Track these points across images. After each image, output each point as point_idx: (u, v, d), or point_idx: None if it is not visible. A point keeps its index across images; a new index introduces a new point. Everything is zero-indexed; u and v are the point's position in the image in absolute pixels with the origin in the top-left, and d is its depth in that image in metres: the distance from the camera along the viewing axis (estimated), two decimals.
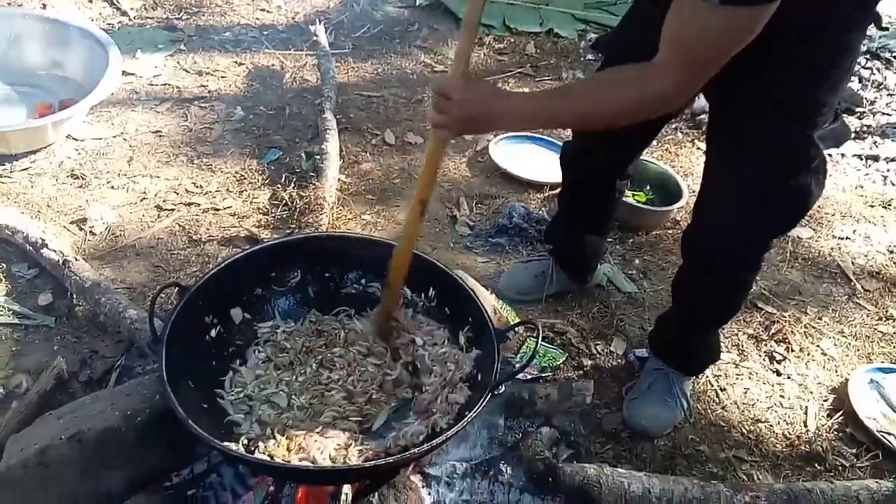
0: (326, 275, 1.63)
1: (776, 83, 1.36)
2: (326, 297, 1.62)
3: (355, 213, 2.41)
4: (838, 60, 1.36)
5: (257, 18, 3.44)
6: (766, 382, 2.00)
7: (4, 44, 2.68)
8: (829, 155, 2.95)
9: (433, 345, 1.52)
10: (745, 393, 1.96)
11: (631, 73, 1.26)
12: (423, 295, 1.62)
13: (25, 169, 2.39)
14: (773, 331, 2.14)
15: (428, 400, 1.41)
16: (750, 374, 2.01)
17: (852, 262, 2.45)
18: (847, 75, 1.42)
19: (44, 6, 3.10)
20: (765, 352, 2.09)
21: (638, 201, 2.50)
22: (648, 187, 2.57)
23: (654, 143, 2.88)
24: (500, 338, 1.42)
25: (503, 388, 1.35)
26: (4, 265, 2.02)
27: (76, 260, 1.95)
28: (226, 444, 1.21)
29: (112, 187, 2.38)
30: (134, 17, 3.25)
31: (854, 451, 1.83)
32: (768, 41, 1.15)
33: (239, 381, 1.43)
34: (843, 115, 3.23)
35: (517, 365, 1.74)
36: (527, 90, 3.18)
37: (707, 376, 1.98)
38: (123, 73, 2.81)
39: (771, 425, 1.88)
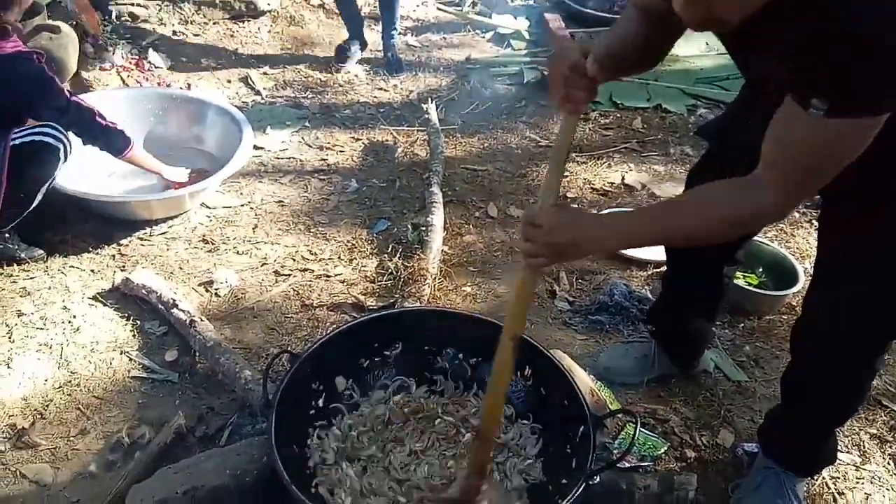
0: (426, 348, 1.68)
1: (885, 178, 1.27)
2: (424, 371, 1.66)
3: (457, 283, 2.47)
4: None
5: (375, 97, 3.68)
6: (891, 488, 1.83)
7: (154, 119, 3.01)
8: None
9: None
10: (867, 499, 1.80)
11: (730, 189, 1.21)
12: (519, 374, 1.63)
13: (163, 233, 2.63)
14: None
15: None
16: (872, 478, 1.85)
17: None
18: None
19: (188, 86, 3.46)
20: (889, 455, 1.92)
21: (750, 284, 2.41)
22: (761, 269, 2.48)
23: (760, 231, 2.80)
24: (596, 424, 1.41)
25: (598, 478, 1.33)
26: (139, 322, 2.22)
27: (201, 320, 2.11)
28: None
29: (237, 252, 2.57)
30: (266, 96, 3.57)
31: None
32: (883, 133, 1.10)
33: (331, 453, 1.48)
34: None
35: (616, 453, 1.69)
36: (633, 166, 3.19)
37: (824, 478, 1.84)
38: (254, 147, 3.08)
39: None
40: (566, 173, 3.10)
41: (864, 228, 1.37)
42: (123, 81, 3.40)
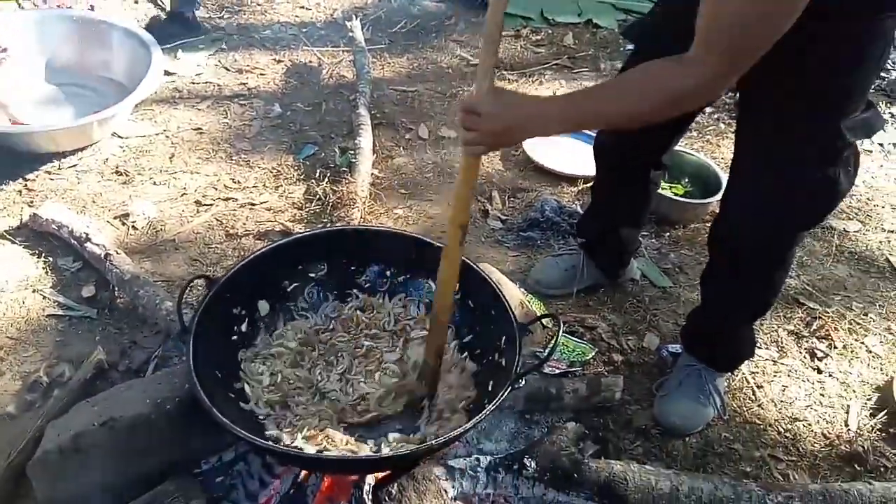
0: (352, 268, 1.65)
1: (802, 70, 1.31)
2: (351, 289, 1.64)
3: (388, 207, 2.43)
4: (870, 47, 1.30)
5: (296, 16, 3.50)
6: (806, 380, 1.94)
7: (53, 45, 2.78)
8: (881, 145, 2.84)
9: None
10: (784, 391, 1.90)
11: (664, 67, 1.21)
12: None
13: (73, 166, 2.48)
14: (814, 327, 2.07)
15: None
16: (789, 371, 1.95)
17: None
18: (880, 63, 1.35)
19: (91, 8, 3.20)
20: (805, 349, 2.02)
21: (675, 194, 2.45)
22: (686, 179, 2.52)
23: (694, 133, 2.83)
24: (521, 331, 1.42)
25: (524, 382, 1.34)
26: (51, 259, 2.11)
27: (117, 253, 2.02)
28: (249, 434, 1.23)
29: (154, 183, 2.45)
30: None
31: None
32: (796, 27, 1.11)
33: (262, 373, 1.46)
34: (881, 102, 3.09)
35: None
36: (564, 83, 3.15)
37: (743, 373, 1.93)
38: (166, 72, 2.90)
39: (809, 424, 1.82)
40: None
41: (775, 126, 1.39)
42: (18, 3, 3.12)
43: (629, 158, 1.82)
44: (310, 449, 1.33)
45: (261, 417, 1.39)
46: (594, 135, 1.94)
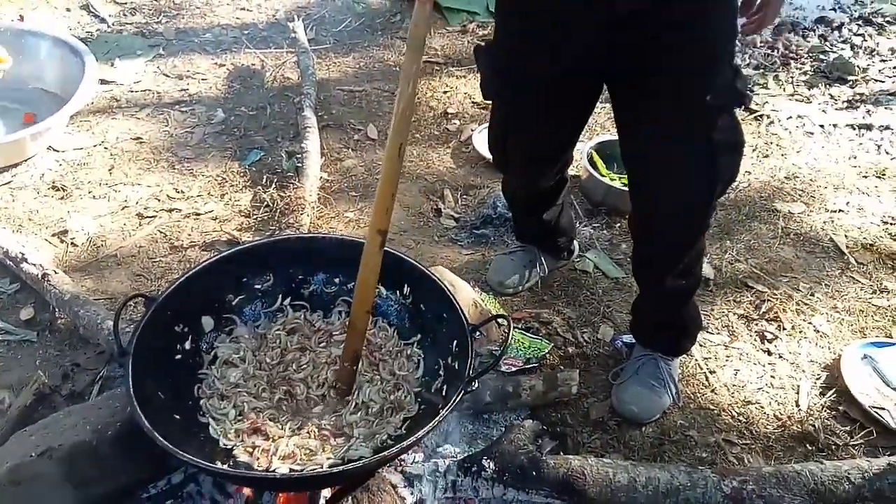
0: (299, 277, 1.61)
1: (656, 53, 1.38)
2: (298, 300, 1.60)
3: (338, 211, 2.39)
4: (717, 18, 1.37)
5: (237, 18, 3.42)
6: (757, 363, 1.97)
7: None
8: (822, 126, 2.90)
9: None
10: (736, 374, 1.93)
11: None
12: (398, 293, 1.60)
13: (7, 183, 2.38)
14: (763, 309, 2.10)
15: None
16: (740, 354, 1.98)
17: (845, 235, 2.40)
18: (734, 32, 1.41)
19: (21, 18, 3.09)
20: (756, 331, 2.05)
21: (624, 184, 2.46)
22: None
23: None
24: (473, 333, 1.40)
25: (477, 384, 1.33)
26: None
27: (55, 273, 1.94)
28: (194, 457, 1.19)
29: (93, 197, 2.37)
30: (112, 24, 3.24)
31: (847, 428, 1.80)
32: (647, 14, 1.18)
33: (210, 389, 1.42)
34: (835, 84, 3.17)
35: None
36: None
37: (696, 359, 1.95)
38: (102, 80, 2.81)
39: (762, 406, 1.85)
40: (445, 88, 3.02)
41: (645, 107, 1.47)
42: None
43: (534, 171, 1.85)
44: (269, 464, 1.29)
45: (212, 437, 1.34)
46: None
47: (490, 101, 1.73)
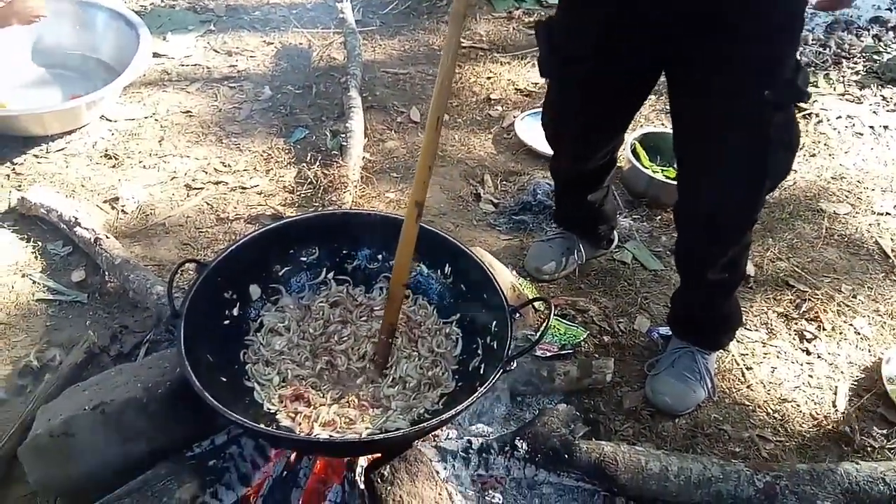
0: (344, 252, 1.64)
1: (720, 43, 1.36)
2: (341, 274, 1.63)
3: (379, 191, 2.42)
4: (784, 12, 1.35)
5: None
6: (795, 362, 1.95)
7: (39, 26, 2.73)
8: (872, 128, 2.84)
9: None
10: (773, 372, 1.92)
11: None
12: (439, 272, 1.62)
13: (61, 150, 2.46)
14: (803, 309, 2.08)
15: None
16: (778, 353, 1.97)
17: (891, 239, 2.36)
18: (800, 27, 1.39)
19: None
20: (795, 330, 2.03)
21: (667, 177, 2.44)
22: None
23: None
24: (512, 315, 1.42)
25: (515, 365, 1.34)
26: (40, 243, 2.10)
27: (107, 238, 2.01)
28: (241, 417, 1.23)
29: (144, 167, 2.43)
30: None
31: (885, 432, 1.78)
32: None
33: (256, 356, 1.46)
34: (887, 85, 3.09)
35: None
36: None
37: (733, 355, 1.94)
38: (154, 54, 2.87)
39: (798, 405, 1.84)
40: (489, 74, 3.03)
41: (704, 98, 1.44)
42: None
43: (585, 158, 1.86)
44: (309, 430, 1.33)
45: (257, 400, 1.39)
46: None
47: (546, 80, 1.73)
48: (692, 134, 1.53)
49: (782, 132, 1.43)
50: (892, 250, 2.31)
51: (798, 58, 1.43)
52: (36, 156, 2.41)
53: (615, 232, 2.19)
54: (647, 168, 2.42)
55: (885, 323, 2.07)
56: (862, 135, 2.83)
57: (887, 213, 2.46)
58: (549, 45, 1.60)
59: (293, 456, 1.42)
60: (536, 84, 3.00)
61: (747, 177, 1.48)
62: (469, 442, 1.55)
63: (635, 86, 1.62)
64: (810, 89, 3.02)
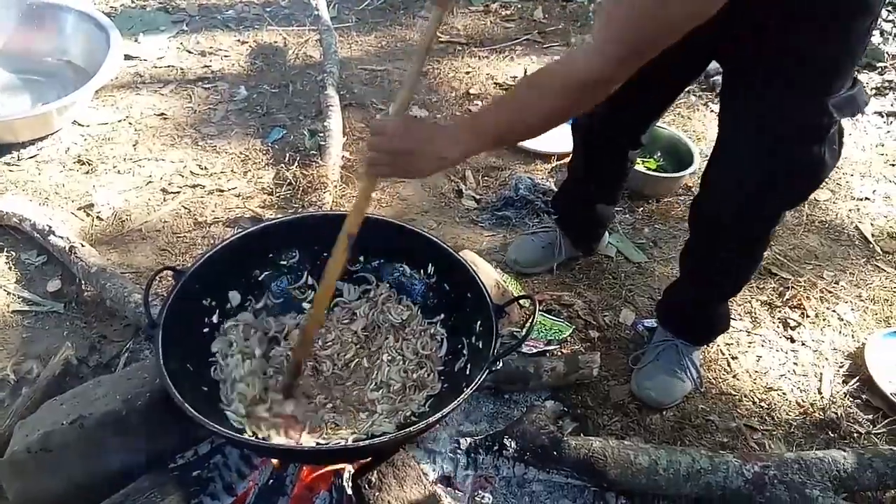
0: (325, 254, 1.61)
1: (788, 47, 1.30)
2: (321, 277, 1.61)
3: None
4: (854, 22, 1.28)
5: None
6: (780, 350, 1.96)
7: (7, 31, 2.69)
8: (856, 121, 2.86)
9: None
10: (758, 361, 1.92)
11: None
12: (422, 272, 1.60)
13: (33, 156, 2.40)
14: (787, 297, 2.09)
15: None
16: (763, 341, 1.97)
17: (871, 224, 2.38)
18: (865, 39, 1.34)
19: None
20: (779, 318, 2.04)
21: (648, 168, 2.44)
22: (659, 153, 2.51)
23: (665, 112, 2.81)
24: (498, 313, 1.40)
25: (501, 364, 1.33)
26: (14, 253, 2.05)
27: (82, 246, 1.96)
28: (223, 428, 1.21)
29: (118, 172, 2.38)
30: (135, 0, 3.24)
31: (870, 417, 1.79)
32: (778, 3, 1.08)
33: (230, 364, 1.44)
34: (864, 70, 3.12)
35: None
36: (535, 58, 3.12)
37: (718, 344, 1.94)
38: (126, 56, 2.82)
39: (784, 393, 1.84)
40: (467, 69, 3.00)
41: (760, 103, 1.38)
42: None
43: (609, 138, 1.80)
44: (291, 438, 1.31)
45: (233, 410, 1.36)
46: None
47: None
48: (735, 132, 1.45)
49: (833, 143, 1.38)
50: (873, 235, 2.33)
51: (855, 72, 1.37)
52: (7, 163, 2.36)
53: (604, 240, 2.15)
54: None
55: (867, 308, 2.08)
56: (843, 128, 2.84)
57: (866, 199, 2.48)
58: None
59: (279, 463, 1.40)
60: (515, 78, 2.99)
61: (782, 187, 1.41)
62: (457, 442, 1.54)
63: (682, 70, 1.55)
64: None
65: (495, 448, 1.52)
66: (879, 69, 3.11)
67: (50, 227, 2.00)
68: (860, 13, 1.28)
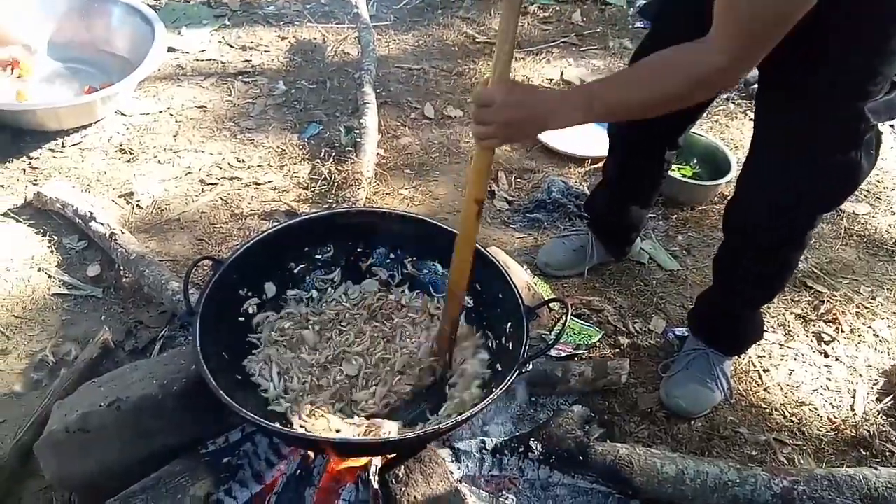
0: (358, 249, 1.64)
1: (826, 50, 1.29)
2: (357, 272, 1.63)
3: (393, 187, 2.41)
4: (892, 26, 1.27)
5: None
6: (813, 364, 1.93)
7: (54, 21, 2.75)
8: (892, 126, 2.80)
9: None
10: (790, 375, 1.89)
11: (683, 54, 1.18)
12: None
13: (76, 144, 2.46)
14: (822, 311, 2.06)
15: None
16: (796, 355, 1.94)
17: None
18: None
19: None
20: (813, 332, 2.01)
21: (684, 175, 2.42)
22: (695, 160, 2.49)
23: (704, 114, 2.79)
24: (529, 315, 1.41)
25: (531, 366, 1.34)
26: (56, 237, 2.10)
27: (122, 233, 2.01)
28: (255, 415, 1.23)
29: (158, 161, 2.43)
30: None
31: None
32: (819, 5, 1.08)
33: (268, 355, 1.46)
34: None
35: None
36: (572, 61, 3.11)
37: (750, 357, 1.92)
38: (169, 49, 2.87)
39: (815, 408, 1.81)
40: None
41: (796, 106, 1.37)
42: None
43: (646, 138, 1.79)
44: (322, 430, 1.33)
45: (269, 399, 1.38)
46: None
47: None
48: (770, 136, 1.45)
49: (870, 148, 1.37)
50: None
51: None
52: (52, 150, 2.42)
53: (636, 245, 2.13)
54: None
55: None
56: (882, 133, 2.78)
57: None
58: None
59: (308, 454, 1.42)
60: (551, 80, 2.98)
61: (814, 187, 1.40)
62: (483, 442, 1.54)
63: None
64: None
65: (521, 450, 1.52)
66: None
67: (91, 214, 2.05)
68: None
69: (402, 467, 1.30)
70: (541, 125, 1.29)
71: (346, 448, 1.32)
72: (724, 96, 2.90)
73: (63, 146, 2.44)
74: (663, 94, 1.20)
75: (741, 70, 1.16)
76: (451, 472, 1.44)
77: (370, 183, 2.34)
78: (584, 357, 1.85)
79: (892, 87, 1.35)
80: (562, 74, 3.03)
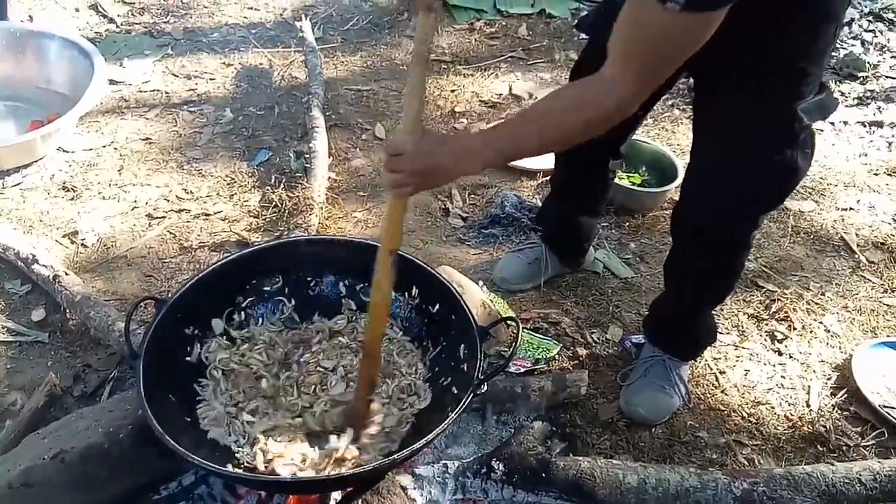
0: (308, 279, 1.62)
1: (756, 54, 1.32)
2: (307, 303, 1.61)
3: (346, 211, 2.39)
4: (821, 27, 1.31)
5: (245, 17, 3.42)
6: (768, 363, 1.96)
7: None
8: (833, 124, 2.88)
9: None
10: (746, 375, 1.92)
11: (583, 90, 1.24)
12: (406, 294, 1.60)
13: (17, 184, 2.39)
14: (773, 309, 2.09)
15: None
16: (750, 355, 1.97)
17: (856, 234, 2.39)
18: (831, 44, 1.37)
19: (30, 18, 3.10)
20: (766, 331, 2.04)
21: (633, 183, 2.45)
22: (644, 168, 2.52)
23: (650, 121, 2.83)
24: (482, 335, 1.40)
25: (486, 387, 1.33)
26: None
27: (66, 274, 1.95)
28: (205, 461, 1.20)
29: (103, 198, 2.38)
30: (121, 24, 3.24)
31: (858, 429, 1.79)
32: (748, 10, 1.11)
33: (213, 394, 1.43)
34: (846, 80, 3.15)
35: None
36: (519, 75, 3.14)
37: (706, 359, 1.94)
38: (111, 81, 2.82)
39: (772, 407, 1.84)
40: (453, 87, 3.02)
41: (730, 110, 1.40)
42: None
43: (587, 150, 1.80)
44: (277, 467, 1.30)
45: (219, 440, 1.35)
46: None
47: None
48: (707, 139, 1.48)
49: (805, 147, 1.40)
50: (858, 245, 2.34)
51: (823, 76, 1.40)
52: None
53: (589, 255, 2.15)
54: None
55: (853, 319, 2.08)
56: (822, 131, 2.86)
57: (851, 209, 2.49)
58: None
59: (264, 493, 1.39)
60: (500, 95, 3.00)
61: (753, 188, 1.43)
62: (445, 466, 1.53)
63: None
64: None
65: (483, 471, 1.51)
66: (861, 79, 3.14)
67: (34, 256, 1.99)
68: (826, 19, 1.31)
69: (360, 502, 1.28)
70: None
71: (302, 488, 1.29)
72: (669, 102, 2.95)
73: (3, 187, 2.37)
74: (568, 131, 1.25)
75: (637, 102, 1.20)
76: (414, 500, 1.43)
77: (322, 208, 2.32)
78: (543, 371, 1.85)
79: (822, 87, 1.40)
80: (510, 89, 3.05)
